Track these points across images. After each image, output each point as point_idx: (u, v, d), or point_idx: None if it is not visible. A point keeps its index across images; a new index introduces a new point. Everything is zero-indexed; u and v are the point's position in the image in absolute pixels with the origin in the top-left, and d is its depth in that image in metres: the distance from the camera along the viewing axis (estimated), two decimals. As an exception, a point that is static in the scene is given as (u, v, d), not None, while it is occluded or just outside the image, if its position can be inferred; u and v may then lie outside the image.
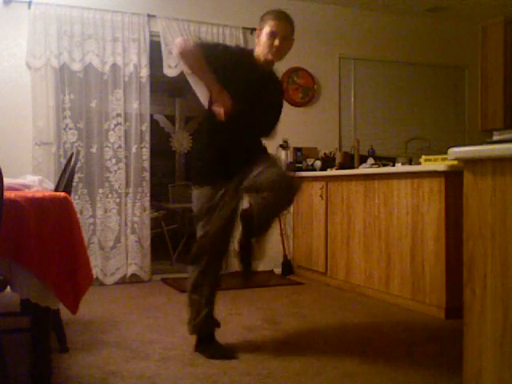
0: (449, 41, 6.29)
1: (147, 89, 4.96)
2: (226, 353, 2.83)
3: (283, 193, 2.68)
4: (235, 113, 2.76)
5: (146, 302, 4.12)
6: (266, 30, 2.84)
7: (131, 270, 4.85)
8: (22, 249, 2.04)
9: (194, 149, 3.08)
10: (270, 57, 2.85)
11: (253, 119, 2.87)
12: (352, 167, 5.03)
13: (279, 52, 2.86)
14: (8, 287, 2.13)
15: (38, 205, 2.12)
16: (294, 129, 5.60)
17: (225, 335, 3.15)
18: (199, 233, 2.88)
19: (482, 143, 2.04)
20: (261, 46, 2.87)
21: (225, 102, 2.74)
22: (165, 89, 7.72)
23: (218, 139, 2.87)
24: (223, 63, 2.81)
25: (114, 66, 4.83)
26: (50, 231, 2.12)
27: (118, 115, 4.85)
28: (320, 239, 5.00)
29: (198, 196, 2.91)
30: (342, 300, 4.20)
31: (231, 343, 3.00)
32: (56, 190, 2.71)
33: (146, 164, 4.96)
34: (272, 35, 2.82)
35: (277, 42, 2.82)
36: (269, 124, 3.02)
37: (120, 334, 3.17)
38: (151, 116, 5.28)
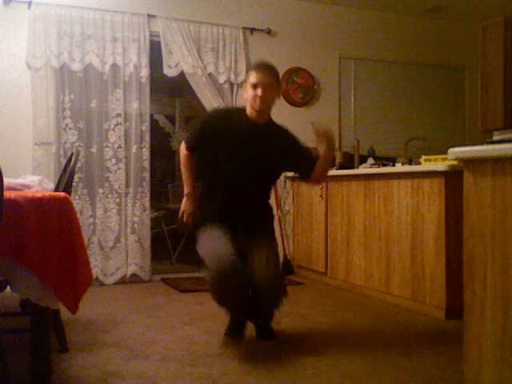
0: (449, 41, 6.28)
1: (147, 89, 4.96)
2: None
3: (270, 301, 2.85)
4: (230, 173, 2.94)
5: (146, 302, 4.12)
6: (250, 81, 2.91)
7: (131, 269, 4.85)
8: (22, 249, 2.03)
9: (201, 192, 3.13)
10: (256, 107, 2.90)
11: (248, 178, 2.97)
12: (352, 167, 5.03)
13: (264, 101, 2.89)
14: (8, 287, 2.13)
15: (38, 205, 2.11)
16: (293, 129, 5.54)
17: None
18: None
19: (482, 143, 2.04)
20: (248, 99, 2.93)
21: (186, 206, 3.00)
22: (165, 89, 7.71)
23: (217, 197, 2.98)
24: (208, 138, 2.96)
25: (114, 66, 4.83)
26: (50, 231, 2.12)
27: (118, 115, 4.85)
28: (320, 239, 5.00)
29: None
30: (342, 300, 4.19)
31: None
32: (56, 190, 2.71)
33: (146, 164, 4.96)
34: (255, 86, 2.88)
35: (259, 92, 2.86)
36: (265, 181, 3.11)
37: (120, 334, 3.17)
38: (151, 116, 5.27)
